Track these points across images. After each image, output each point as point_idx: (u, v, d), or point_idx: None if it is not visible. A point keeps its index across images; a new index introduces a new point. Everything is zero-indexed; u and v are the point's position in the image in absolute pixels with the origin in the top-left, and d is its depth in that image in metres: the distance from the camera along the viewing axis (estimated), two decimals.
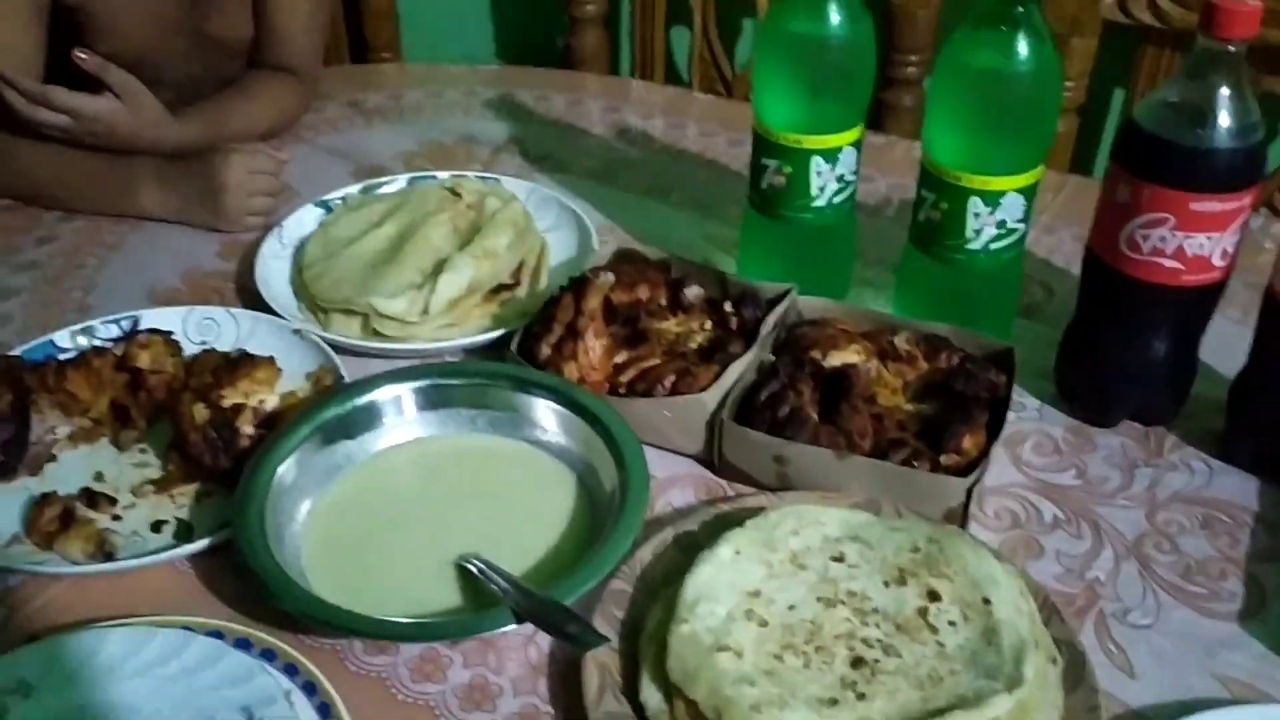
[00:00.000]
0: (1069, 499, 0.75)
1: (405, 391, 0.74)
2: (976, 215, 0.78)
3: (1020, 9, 0.72)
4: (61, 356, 0.82)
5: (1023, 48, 0.73)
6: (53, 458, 0.77)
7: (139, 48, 1.15)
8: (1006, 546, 0.71)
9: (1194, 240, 0.70)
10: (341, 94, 1.30)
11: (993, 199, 0.77)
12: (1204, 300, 0.74)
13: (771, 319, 0.82)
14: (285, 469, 0.68)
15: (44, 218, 1.04)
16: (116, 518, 0.72)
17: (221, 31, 1.20)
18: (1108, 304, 0.77)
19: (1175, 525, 0.73)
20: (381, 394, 0.73)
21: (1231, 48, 0.66)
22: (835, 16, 0.78)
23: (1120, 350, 0.78)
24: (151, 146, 1.05)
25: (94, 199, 1.05)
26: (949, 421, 0.73)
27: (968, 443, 0.72)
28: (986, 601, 0.61)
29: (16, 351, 0.82)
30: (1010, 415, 0.81)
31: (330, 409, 0.71)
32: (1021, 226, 0.80)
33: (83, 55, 1.00)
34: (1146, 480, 0.76)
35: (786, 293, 0.84)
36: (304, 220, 1.01)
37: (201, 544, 0.68)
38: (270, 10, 1.20)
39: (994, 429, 0.73)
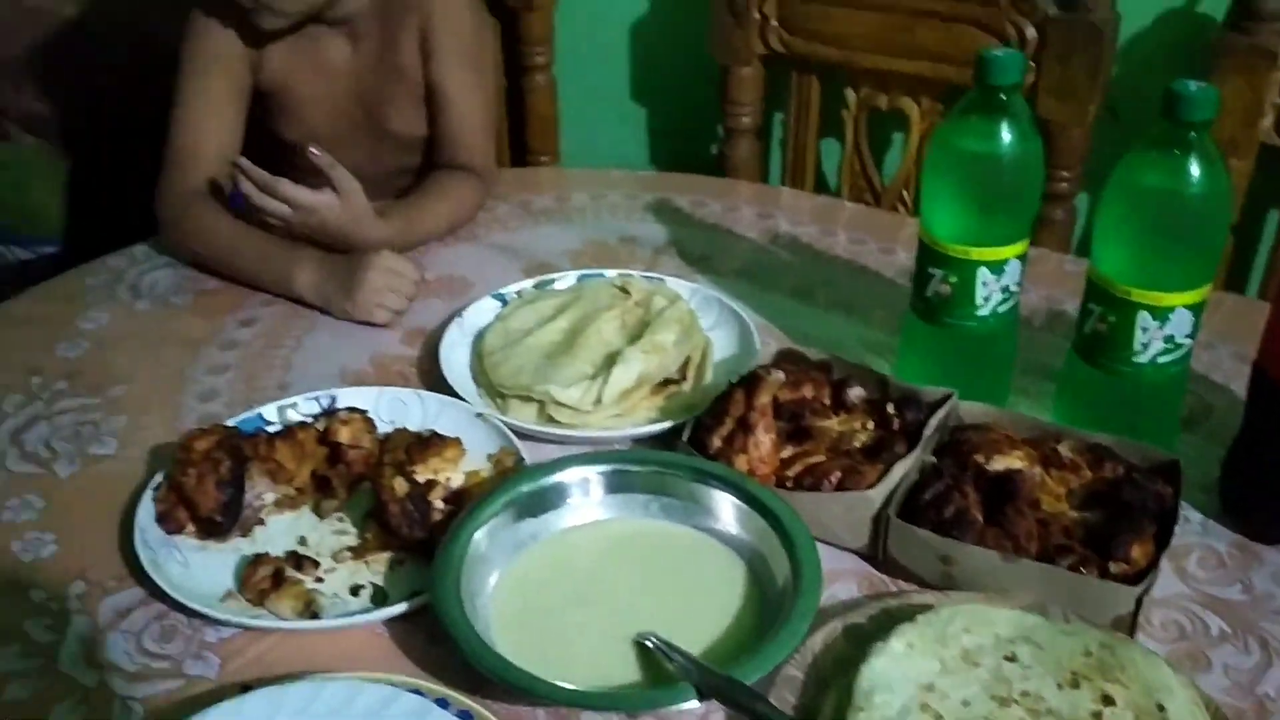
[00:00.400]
0: (1235, 613, 0.75)
1: (591, 474, 0.79)
2: (1144, 330, 0.80)
3: (1193, 134, 0.75)
4: (269, 429, 0.90)
5: (1195, 170, 0.76)
6: (261, 521, 0.83)
7: (323, 135, 1.28)
8: (1173, 658, 0.71)
9: None
10: (511, 195, 1.39)
11: (1162, 314, 0.79)
12: None
13: (934, 421, 0.84)
14: (479, 540, 0.73)
15: (246, 301, 1.13)
16: (319, 580, 0.77)
17: (397, 127, 1.33)
18: (1277, 420, 0.78)
19: None
20: (569, 475, 0.78)
21: None
22: (1007, 136, 0.82)
23: None
24: (358, 243, 1.15)
25: (260, 276, 1.15)
26: (1117, 530, 0.74)
27: (1136, 552, 0.73)
28: (1161, 709, 0.61)
29: (231, 423, 0.89)
30: (1174, 527, 0.82)
31: (522, 486, 0.76)
32: (1188, 342, 0.81)
33: (315, 151, 1.12)
34: None
35: (948, 397, 0.87)
36: (482, 311, 1.08)
37: (399, 608, 0.72)
38: (446, 112, 1.30)
39: (1160, 540, 0.74)
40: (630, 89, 1.75)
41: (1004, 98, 0.81)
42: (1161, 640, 0.73)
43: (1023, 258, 0.87)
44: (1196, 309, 0.80)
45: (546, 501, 0.78)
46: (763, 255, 1.26)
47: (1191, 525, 0.83)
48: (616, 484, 0.79)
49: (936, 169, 0.86)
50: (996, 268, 0.86)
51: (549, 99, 1.73)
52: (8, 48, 2.02)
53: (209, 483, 0.80)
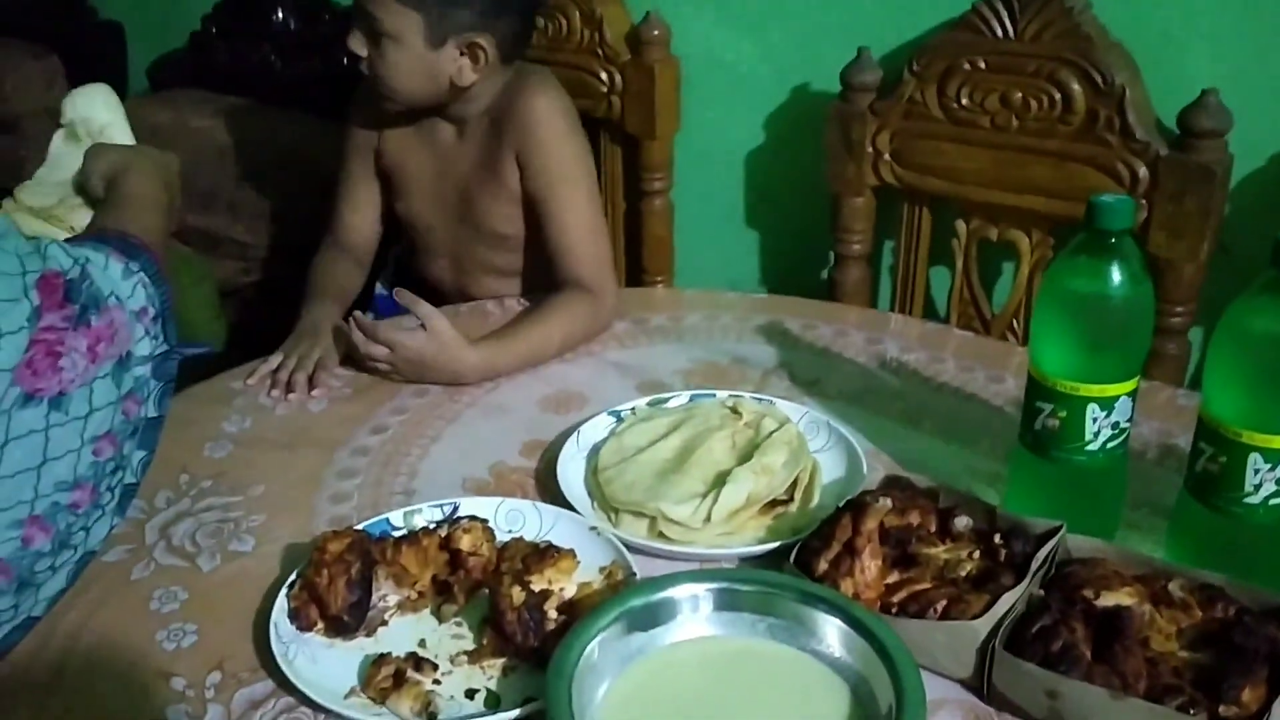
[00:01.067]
0: None
1: (701, 591, 0.81)
2: (1256, 471, 0.80)
3: None
4: (395, 534, 0.95)
5: None
6: (385, 622, 0.88)
7: (426, 215, 1.52)
8: None
9: None
10: (627, 313, 1.45)
11: (1274, 456, 0.79)
12: None
13: (1042, 554, 0.85)
14: (591, 651, 0.76)
15: (378, 410, 1.20)
16: (437, 681, 0.81)
17: (490, 224, 1.46)
18: None
19: None
20: (679, 591, 0.81)
21: None
22: (1117, 277, 0.84)
23: None
24: (452, 377, 1.25)
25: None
26: (1228, 673, 0.73)
27: (1248, 696, 0.72)
28: None
29: (359, 526, 0.95)
30: None
31: (635, 600, 0.79)
32: None
33: (401, 290, 1.26)
34: None
35: (1057, 529, 0.87)
36: (598, 427, 1.13)
37: (513, 714, 0.76)
38: (551, 225, 1.40)
39: (1274, 685, 0.73)
40: (744, 214, 1.81)
41: (1114, 241, 0.84)
42: None
43: (1133, 394, 0.88)
44: None
45: (657, 616, 0.80)
46: (871, 380, 1.28)
47: None
48: (725, 602, 0.81)
49: (1046, 307, 0.88)
50: (1106, 404, 0.87)
51: (666, 222, 1.80)
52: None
53: (340, 583, 0.85)
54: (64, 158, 1.15)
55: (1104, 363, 0.86)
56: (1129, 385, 0.87)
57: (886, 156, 1.49)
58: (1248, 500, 0.82)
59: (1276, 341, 0.78)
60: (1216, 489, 0.83)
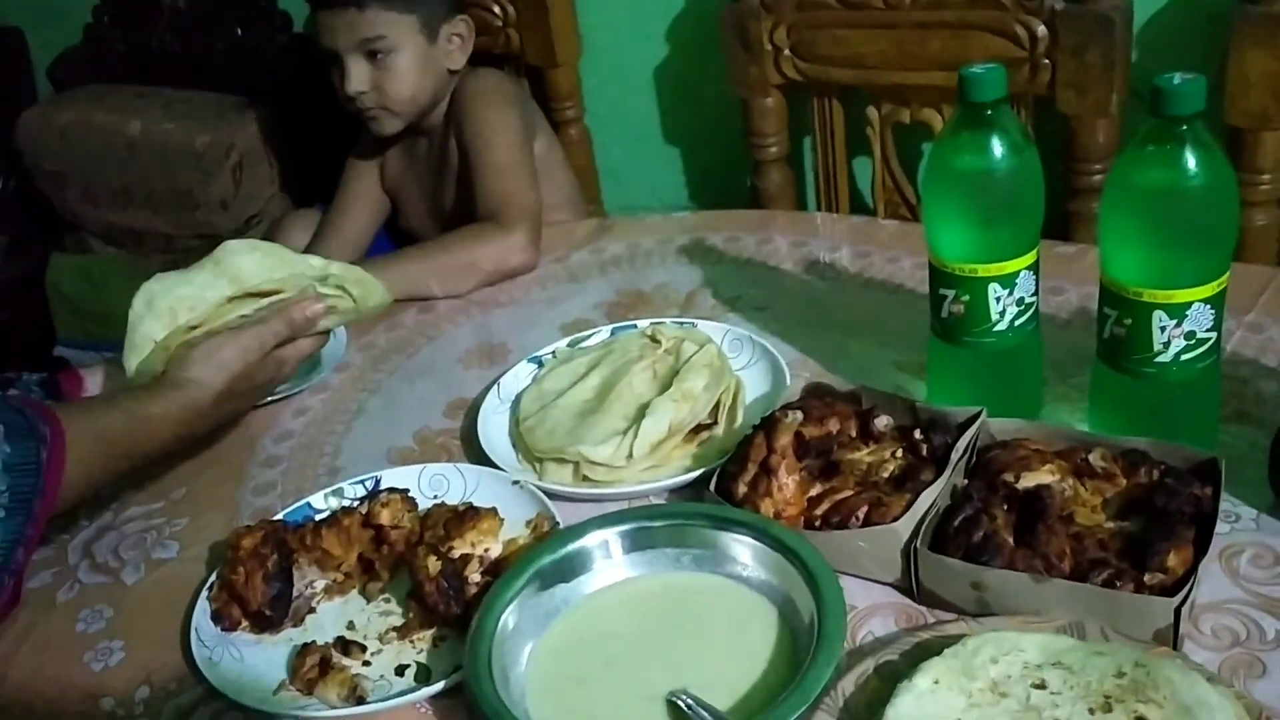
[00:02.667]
0: None
1: (611, 536, 0.80)
2: (1162, 329, 0.78)
3: (1184, 126, 0.73)
4: (318, 517, 0.93)
5: (1191, 163, 0.74)
6: (312, 610, 0.86)
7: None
8: (1227, 666, 0.69)
9: None
10: (549, 252, 1.41)
11: (1178, 312, 0.77)
12: None
13: (962, 443, 0.83)
14: (508, 616, 0.74)
15: (300, 392, 1.18)
16: (366, 663, 0.80)
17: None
18: None
19: None
20: (590, 540, 0.79)
21: None
22: (999, 150, 0.81)
23: None
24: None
25: None
26: (1152, 539, 0.72)
27: (1173, 560, 0.71)
28: None
29: (280, 515, 0.93)
30: (1224, 527, 0.79)
31: (544, 557, 0.78)
32: (1212, 335, 0.79)
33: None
34: None
35: (977, 416, 0.86)
36: (519, 376, 1.10)
37: (438, 686, 0.74)
38: (474, 174, 1.42)
39: (1202, 544, 0.72)
40: (662, 132, 1.78)
41: (990, 112, 0.80)
42: (1213, 649, 0.70)
43: (1034, 268, 0.86)
44: (1215, 301, 0.78)
45: (572, 568, 0.79)
46: (797, 285, 1.26)
47: (1244, 523, 0.80)
48: (639, 541, 0.80)
49: (933, 191, 0.86)
50: (1007, 282, 0.84)
51: (585, 150, 1.77)
52: (80, 164, 2.15)
53: (257, 578, 0.83)
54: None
55: (998, 240, 0.83)
56: (1028, 259, 0.84)
57: (787, 52, 1.45)
58: (1159, 360, 0.80)
59: (1165, 193, 0.76)
60: (1127, 352, 0.81)
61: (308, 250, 1.42)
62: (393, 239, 1.66)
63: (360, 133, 1.57)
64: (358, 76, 1.38)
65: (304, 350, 1.06)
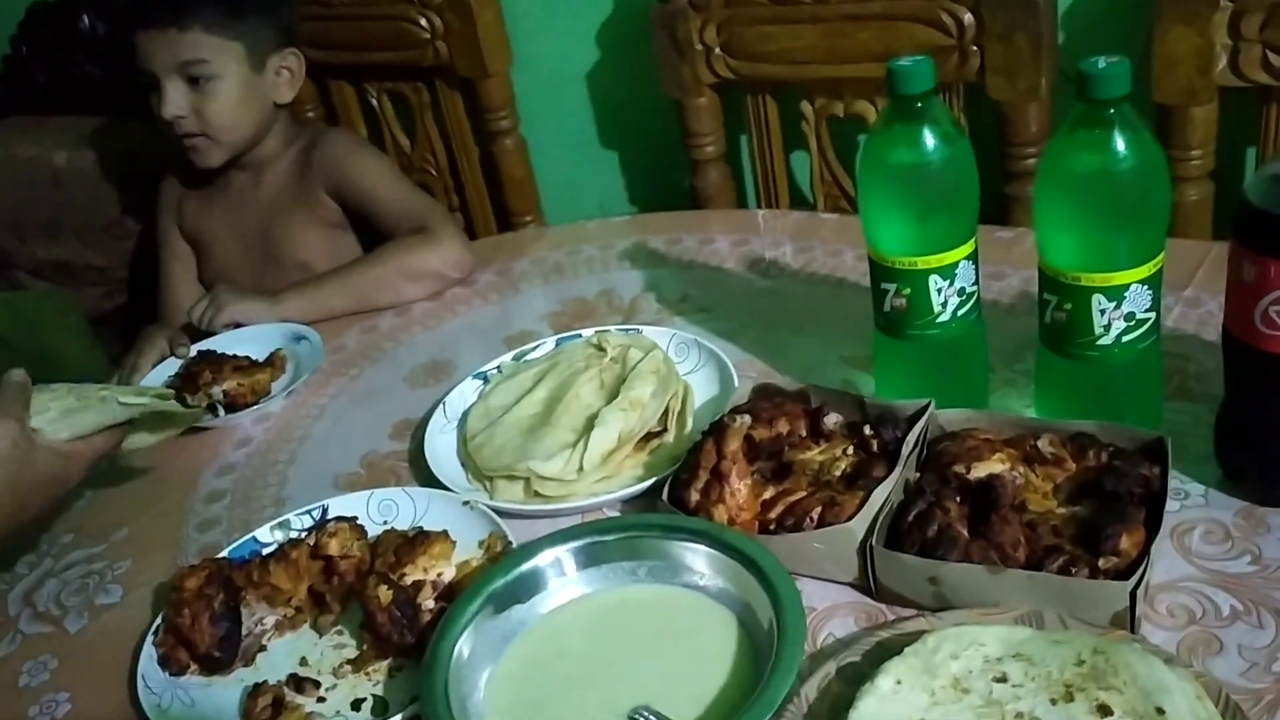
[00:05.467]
0: (1246, 588, 0.72)
1: (564, 553, 0.78)
2: (1102, 312, 0.78)
3: (1112, 110, 0.73)
4: (265, 551, 0.90)
5: (1120, 146, 0.74)
6: (263, 648, 0.84)
7: (231, 268, 1.49)
8: (1185, 645, 0.69)
9: None
10: (489, 264, 1.40)
11: (1116, 294, 0.77)
12: None
13: (912, 437, 0.83)
14: (462, 643, 0.73)
15: (240, 423, 1.15)
16: (321, 699, 0.78)
17: (296, 254, 1.46)
18: (1255, 383, 0.76)
19: None
20: (543, 559, 0.78)
21: None
22: (930, 142, 0.81)
23: (1278, 427, 0.76)
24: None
25: None
26: (1104, 523, 0.72)
27: (1125, 543, 0.71)
28: (1160, 711, 0.59)
29: (225, 552, 0.91)
30: (1174, 505, 0.79)
31: (497, 580, 0.76)
32: (1151, 315, 0.79)
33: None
34: None
35: (925, 409, 0.85)
36: (465, 393, 1.09)
37: (398, 717, 0.73)
38: (373, 208, 1.41)
39: (1154, 525, 0.72)
40: (599, 137, 1.76)
41: (920, 105, 0.80)
42: (1170, 628, 0.71)
43: (973, 256, 0.85)
44: (1152, 281, 0.78)
45: (526, 589, 0.77)
46: (740, 285, 1.25)
47: (1193, 499, 0.81)
48: (592, 557, 0.78)
49: (868, 186, 0.85)
50: (947, 273, 0.84)
51: (522, 161, 1.75)
52: (4, 198, 2.09)
53: (203, 620, 0.81)
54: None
55: (936, 231, 0.83)
56: (966, 249, 0.84)
57: (717, 51, 1.44)
58: (1101, 343, 0.80)
59: (1096, 177, 0.76)
60: (1068, 337, 0.81)
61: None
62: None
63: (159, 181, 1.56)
64: (174, 100, 1.32)
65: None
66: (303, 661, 0.82)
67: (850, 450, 0.86)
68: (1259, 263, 0.70)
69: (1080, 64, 0.73)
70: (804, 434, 0.89)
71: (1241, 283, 0.72)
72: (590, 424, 0.96)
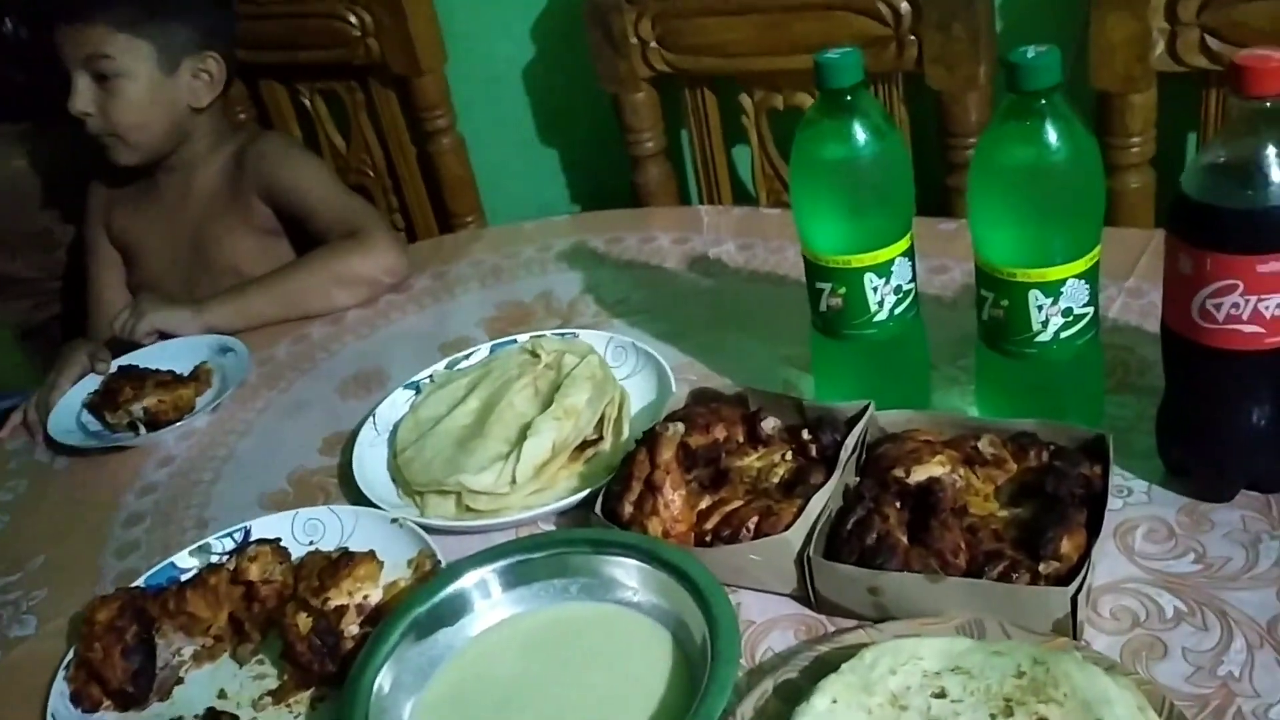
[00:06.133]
0: (1190, 587, 0.71)
1: (488, 574, 0.75)
2: (1039, 308, 0.76)
3: (1042, 101, 0.71)
4: (183, 577, 0.87)
5: (1052, 138, 0.72)
6: (180, 680, 0.80)
7: (161, 276, 1.45)
8: (1128, 650, 0.67)
9: (1269, 301, 0.67)
10: (425, 268, 1.36)
11: (1053, 290, 0.75)
12: None
13: (851, 440, 0.81)
14: (383, 676, 0.69)
15: (163, 441, 1.11)
16: None
17: (228, 259, 1.41)
18: (1194, 377, 0.74)
19: None
20: (467, 580, 0.75)
21: (1268, 104, 0.64)
22: (861, 136, 0.79)
23: (1219, 422, 0.74)
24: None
25: None
26: (1044, 527, 0.70)
27: (1066, 546, 0.69)
28: None
29: (142, 579, 0.87)
30: (1117, 503, 0.78)
31: (418, 607, 0.73)
32: (1089, 311, 0.77)
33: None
34: (1274, 554, 0.72)
35: (864, 411, 0.83)
36: (396, 404, 1.05)
37: None
38: (308, 215, 1.37)
39: (1096, 525, 0.70)
40: (538, 134, 1.73)
41: (849, 98, 0.77)
42: (1114, 632, 0.69)
43: (909, 253, 0.83)
44: (1089, 275, 0.76)
45: (453, 611, 0.74)
46: (681, 284, 1.22)
47: (1136, 496, 0.79)
48: (521, 576, 0.75)
49: (798, 182, 0.83)
50: (883, 271, 0.82)
51: (460, 160, 1.71)
52: None
53: (115, 654, 0.78)
54: None
55: (870, 228, 0.81)
56: (901, 245, 0.82)
57: (653, 44, 1.41)
58: (1039, 340, 0.78)
59: (1029, 171, 0.74)
60: (1007, 334, 0.79)
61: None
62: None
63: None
64: (81, 94, 1.29)
65: None
66: (221, 694, 0.79)
67: (789, 455, 0.84)
68: (1195, 256, 0.68)
69: (1009, 54, 0.71)
70: (741, 439, 0.86)
71: (1178, 276, 0.70)
72: (523, 434, 0.93)
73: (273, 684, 0.78)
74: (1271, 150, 0.65)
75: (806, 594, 0.75)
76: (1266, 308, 0.67)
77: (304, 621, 0.75)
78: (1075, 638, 0.67)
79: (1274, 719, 0.62)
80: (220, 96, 1.40)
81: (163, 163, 1.41)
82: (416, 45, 1.57)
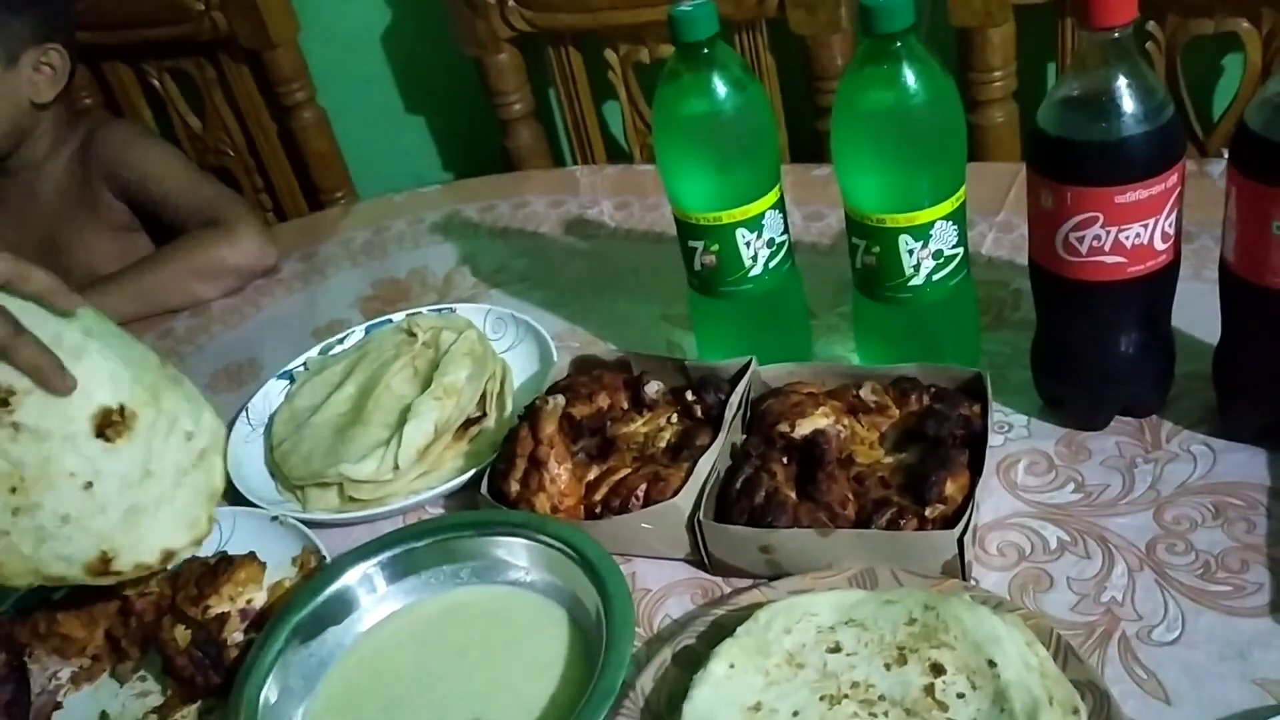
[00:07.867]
0: (1072, 517, 0.72)
1: (372, 568, 0.73)
2: (910, 252, 0.76)
3: (898, 44, 0.71)
4: (55, 596, 0.82)
5: (910, 80, 0.71)
6: (59, 705, 0.77)
7: None
8: (1016, 584, 0.68)
9: (1129, 231, 0.68)
10: (293, 250, 1.31)
11: (922, 233, 0.75)
12: (1158, 285, 0.72)
13: (734, 399, 0.80)
14: (270, 682, 0.67)
15: None
16: None
17: (85, 261, 1.34)
18: (1063, 309, 0.75)
19: (1186, 521, 0.70)
20: (349, 577, 0.72)
21: (1116, 34, 0.64)
22: (721, 89, 0.77)
23: (1089, 352, 0.75)
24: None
25: None
26: (927, 471, 0.70)
27: (951, 489, 0.70)
28: (992, 664, 0.58)
29: (8, 604, 0.82)
30: (998, 439, 0.79)
31: (301, 608, 0.70)
32: (959, 251, 0.78)
33: None
34: (1149, 478, 0.73)
35: (746, 367, 0.82)
36: (270, 396, 1.01)
37: None
38: (161, 204, 1.32)
39: (978, 466, 0.71)
40: (402, 103, 1.67)
41: (706, 52, 0.76)
42: (1001, 568, 0.70)
43: (779, 205, 0.82)
44: (956, 216, 0.76)
45: (340, 609, 0.72)
46: (559, 249, 1.20)
47: (1017, 430, 0.80)
48: (407, 566, 0.73)
49: (661, 140, 0.81)
50: (754, 225, 0.81)
51: (324, 133, 1.65)
52: None
53: None
54: None
55: (737, 183, 0.79)
56: (770, 199, 0.81)
57: (511, 3, 1.37)
58: (913, 284, 0.78)
59: (888, 115, 0.73)
60: (880, 280, 0.79)
61: None
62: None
63: None
64: None
65: None
66: (103, 716, 0.75)
67: (674, 419, 0.83)
68: (1055, 190, 0.69)
69: None
70: (626, 406, 0.85)
71: (1041, 211, 0.70)
72: (404, 417, 0.90)
73: (157, 701, 0.75)
74: (1122, 81, 0.65)
75: (700, 558, 0.74)
76: (1127, 238, 0.68)
77: (182, 634, 0.72)
78: (964, 578, 0.68)
79: (1156, 639, 0.63)
80: (64, 90, 1.31)
81: (3, 165, 1.32)
82: (265, 16, 1.50)
